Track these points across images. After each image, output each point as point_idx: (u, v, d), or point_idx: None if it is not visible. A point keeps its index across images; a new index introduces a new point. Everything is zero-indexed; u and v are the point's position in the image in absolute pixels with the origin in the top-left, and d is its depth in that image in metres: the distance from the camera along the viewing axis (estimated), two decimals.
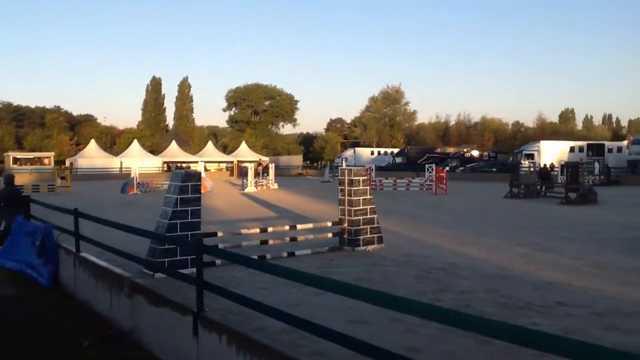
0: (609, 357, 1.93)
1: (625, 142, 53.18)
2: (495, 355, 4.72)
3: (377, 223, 10.60)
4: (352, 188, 10.22)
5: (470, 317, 2.68)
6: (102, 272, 6.97)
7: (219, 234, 9.56)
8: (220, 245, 8.79)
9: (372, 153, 67.05)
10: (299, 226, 10.39)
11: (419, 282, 7.71)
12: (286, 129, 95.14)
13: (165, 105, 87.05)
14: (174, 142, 61.98)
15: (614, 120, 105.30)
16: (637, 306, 6.41)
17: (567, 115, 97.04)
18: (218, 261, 8.29)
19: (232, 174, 55.61)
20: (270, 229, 9.98)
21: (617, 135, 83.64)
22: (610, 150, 47.80)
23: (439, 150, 61.45)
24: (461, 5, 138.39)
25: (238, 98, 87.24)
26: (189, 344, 4.76)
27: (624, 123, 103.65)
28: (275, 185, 34.00)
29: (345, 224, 10.34)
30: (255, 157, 58.99)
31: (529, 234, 12.60)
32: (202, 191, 9.82)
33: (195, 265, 4.94)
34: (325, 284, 3.80)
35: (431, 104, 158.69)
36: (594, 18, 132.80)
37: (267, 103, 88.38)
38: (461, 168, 49.44)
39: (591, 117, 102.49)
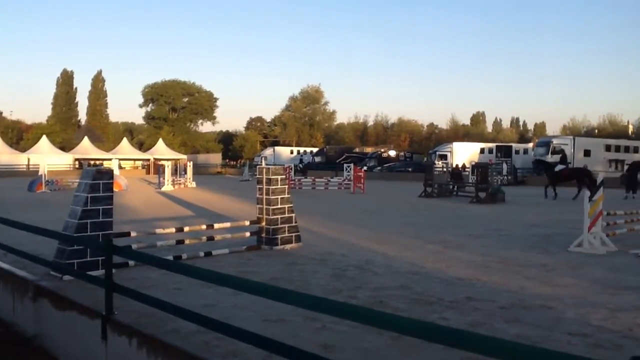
0: (508, 350, 2.03)
1: (531, 145, 56.25)
2: (406, 350, 4.85)
3: (295, 222, 10.64)
4: (271, 187, 10.20)
5: (378, 314, 2.74)
6: (4, 275, 6.59)
7: (133, 233, 9.26)
8: (134, 246, 8.54)
9: (292, 152, 67.23)
10: (216, 225, 10.25)
11: (335, 280, 7.80)
12: (205, 127, 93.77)
13: (77, 99, 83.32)
14: (86, 138, 59.56)
15: (521, 123, 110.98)
16: (539, 300, 6.77)
17: (478, 118, 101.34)
18: (131, 262, 8.04)
19: (148, 172, 54.15)
20: (186, 229, 9.79)
21: (523, 138, 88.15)
22: (517, 152, 50.42)
23: (357, 150, 62.48)
24: (379, 7, 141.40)
25: (155, 94, 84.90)
26: (97, 349, 4.59)
27: (530, 126, 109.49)
28: (193, 184, 33.42)
29: (263, 223, 10.31)
30: (173, 155, 57.78)
31: (440, 232, 13.04)
32: (115, 189, 9.51)
33: (104, 266, 4.76)
34: (239, 284, 3.78)
35: (350, 104, 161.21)
36: (504, 24, 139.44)
37: (185, 100, 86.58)
38: (378, 168, 50.53)
39: (500, 120, 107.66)
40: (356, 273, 8.31)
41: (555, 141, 46.59)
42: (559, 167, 25.35)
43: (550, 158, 44.17)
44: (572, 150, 44.73)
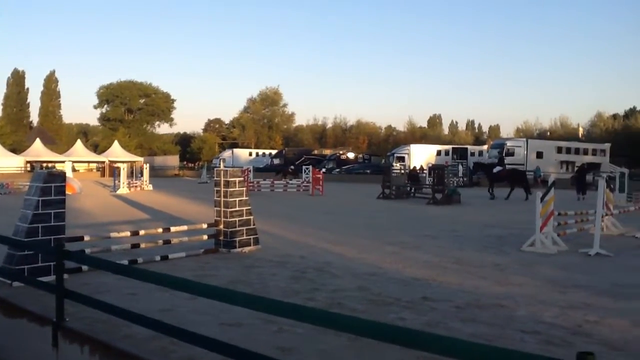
0: (461, 349, 2.07)
1: (485, 147, 57.43)
2: (364, 350, 4.88)
3: (254, 224, 10.58)
4: (228, 189, 10.13)
5: (333, 316, 2.75)
6: None
7: (86, 237, 9.04)
8: (88, 250, 8.33)
9: (251, 154, 66.92)
10: (172, 228, 10.10)
11: (294, 283, 7.80)
12: (162, 129, 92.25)
13: (29, 100, 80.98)
14: (38, 140, 57.93)
15: (476, 126, 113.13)
16: (493, 299, 6.92)
17: (434, 121, 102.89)
18: (85, 267, 7.85)
19: (103, 175, 53.07)
20: (142, 232, 9.63)
21: (478, 140, 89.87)
22: (472, 154, 51.38)
23: (316, 152, 62.63)
24: (337, 9, 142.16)
25: (110, 95, 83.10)
26: (48, 357, 4.47)
27: (485, 129, 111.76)
28: (150, 187, 32.92)
29: (221, 226, 10.22)
30: (129, 157, 56.72)
31: (398, 233, 13.19)
32: (68, 192, 9.27)
33: (55, 272, 4.64)
34: (195, 288, 3.73)
35: (309, 106, 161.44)
36: (460, 28, 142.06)
37: (142, 101, 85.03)
38: (337, 170, 50.79)
39: (456, 122, 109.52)
40: (315, 275, 8.33)
41: (509, 143, 47.65)
42: (496, 169, 26.22)
43: (504, 159, 45.20)
44: (526, 152, 45.83)
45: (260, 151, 69.51)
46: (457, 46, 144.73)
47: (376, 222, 15.86)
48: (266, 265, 9.02)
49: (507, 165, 30.70)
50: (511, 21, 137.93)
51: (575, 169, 34.46)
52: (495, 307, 6.54)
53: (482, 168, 27.91)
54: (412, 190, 26.99)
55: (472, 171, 44.17)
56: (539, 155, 45.80)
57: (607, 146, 50.39)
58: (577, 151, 48.18)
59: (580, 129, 76.86)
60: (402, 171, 43.45)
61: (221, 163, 15.87)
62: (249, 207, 10.52)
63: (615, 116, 75.19)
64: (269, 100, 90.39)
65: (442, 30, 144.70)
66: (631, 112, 74.55)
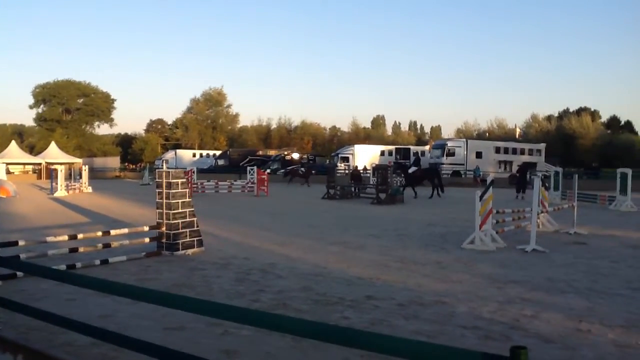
0: (398, 346, 2.12)
1: (427, 147, 58.63)
2: (308, 351, 4.90)
3: (197, 226, 10.45)
4: (171, 191, 9.96)
5: (277, 318, 2.75)
6: None
7: (21, 242, 8.69)
8: (23, 255, 8.03)
9: (194, 155, 66.03)
10: (112, 231, 9.85)
11: (239, 284, 7.75)
12: (102, 129, 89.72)
13: None
14: None
15: (418, 126, 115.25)
16: (434, 296, 7.07)
17: (378, 122, 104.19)
18: (20, 272, 7.56)
19: (40, 177, 51.21)
20: (80, 236, 9.34)
21: (421, 141, 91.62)
22: (415, 154, 52.28)
23: (260, 152, 62.32)
24: (281, 9, 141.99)
25: (47, 94, 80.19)
26: None
27: (427, 129, 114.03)
28: (89, 189, 32.02)
29: (164, 228, 10.05)
30: (67, 158, 54.93)
31: (342, 233, 13.30)
32: (2, 196, 8.92)
33: None
34: (136, 293, 3.66)
35: (254, 107, 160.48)
36: (402, 30, 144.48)
37: (80, 101, 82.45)
38: (282, 170, 50.69)
39: (399, 123, 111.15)
40: (259, 276, 8.30)
41: (449, 144, 48.84)
42: (412, 169, 27.10)
43: (445, 159, 46.29)
44: (466, 152, 47.06)
45: (204, 152, 68.65)
46: (399, 48, 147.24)
47: (321, 222, 15.94)
48: (210, 268, 8.92)
49: (447, 165, 31.47)
50: (448, 25, 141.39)
51: (516, 168, 35.57)
52: (436, 304, 6.69)
53: (400, 168, 28.68)
54: (357, 190, 27.25)
55: (393, 169, 45.12)
56: (479, 155, 47.13)
57: (542, 146, 52.35)
58: (514, 151, 49.84)
59: (517, 130, 79.49)
60: (347, 171, 43.77)
61: (164, 164, 15.61)
62: (192, 209, 10.39)
63: (549, 117, 78.18)
64: (213, 100, 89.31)
65: (384, 32, 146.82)
66: (564, 114, 77.72)
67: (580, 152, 65.48)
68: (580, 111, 74.93)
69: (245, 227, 14.59)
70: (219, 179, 34.29)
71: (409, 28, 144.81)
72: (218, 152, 65.88)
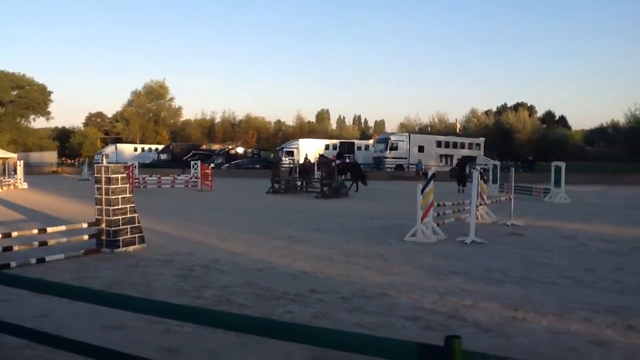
0: (336, 339, 2.15)
1: (371, 141, 59.33)
2: (252, 346, 4.90)
3: (138, 222, 10.24)
4: (111, 186, 9.72)
5: (217, 314, 2.74)
6: None
7: None
8: None
9: (136, 149, 64.59)
10: (49, 229, 9.53)
11: (181, 281, 7.65)
12: (38, 123, 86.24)
13: None
14: None
15: (362, 121, 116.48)
16: (377, 288, 7.19)
17: (322, 116, 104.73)
18: None
19: None
20: (15, 234, 9.02)
21: (365, 135, 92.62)
22: (359, 148, 52.92)
23: (204, 147, 61.53)
24: (222, 2, 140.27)
25: None
26: None
27: (371, 123, 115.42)
28: (25, 185, 30.88)
29: (103, 225, 9.79)
30: (0, 153, 52.62)
31: (287, 228, 13.31)
32: None
33: None
34: (72, 292, 3.56)
35: (197, 100, 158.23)
36: (341, 25, 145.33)
37: (14, 93, 78.92)
38: (226, 165, 50.29)
39: (343, 117, 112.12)
40: (202, 272, 8.22)
41: (392, 138, 49.56)
42: (335, 162, 27.71)
43: (388, 153, 46.95)
44: (408, 146, 47.84)
45: (146, 146, 67.22)
46: (344, 42, 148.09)
47: (265, 217, 15.90)
48: (152, 265, 8.77)
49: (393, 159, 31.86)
50: (390, 21, 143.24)
51: (456, 161, 36.47)
52: (379, 296, 6.80)
53: (324, 161, 29.17)
54: (303, 185, 27.25)
55: (374, 163, 45.83)
56: (421, 149, 48.02)
57: (481, 140, 53.79)
58: (455, 145, 51.04)
59: (458, 124, 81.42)
60: (292, 165, 43.82)
61: (103, 159, 15.21)
62: (133, 205, 10.17)
63: (487, 112, 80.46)
64: (155, 93, 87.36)
65: (328, 27, 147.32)
66: (503, 109, 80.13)
67: (517, 146, 67.71)
68: (517, 106, 77.41)
69: (189, 222, 14.40)
70: (162, 173, 33.65)
71: (352, 22, 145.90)
72: (160, 147, 64.65)
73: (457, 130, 76.56)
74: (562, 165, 22.42)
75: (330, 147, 51.38)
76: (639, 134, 60.26)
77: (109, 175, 9.75)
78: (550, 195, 22.09)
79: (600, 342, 5.15)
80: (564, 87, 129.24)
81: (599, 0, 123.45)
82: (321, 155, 35.01)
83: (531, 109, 78.81)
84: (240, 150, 57.68)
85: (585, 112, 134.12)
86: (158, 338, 5.19)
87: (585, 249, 10.54)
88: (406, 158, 47.23)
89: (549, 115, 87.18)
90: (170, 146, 61.00)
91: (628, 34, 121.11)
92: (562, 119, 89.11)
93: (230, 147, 58.43)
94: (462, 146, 51.31)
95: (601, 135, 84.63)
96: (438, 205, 12.24)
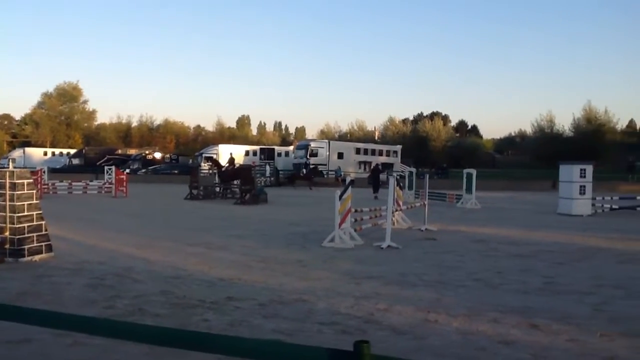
0: (248, 346, 2.14)
1: (291, 147, 59.52)
2: (164, 356, 4.76)
3: (46, 230, 9.75)
4: (16, 192, 9.21)
5: (124, 325, 2.65)
6: None
7: None
8: None
9: (46, 154, 61.62)
10: None
11: (91, 291, 7.35)
12: None
13: None
14: None
15: (283, 127, 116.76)
16: (295, 294, 7.20)
17: (243, 121, 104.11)
18: None
19: None
20: None
21: (285, 141, 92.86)
22: (279, 155, 52.99)
23: (120, 151, 59.57)
24: (143, 4, 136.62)
25: None
26: None
27: (292, 130, 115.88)
28: None
29: (7, 233, 9.25)
30: None
31: (205, 234, 13.10)
32: None
33: None
34: None
35: (112, 104, 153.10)
36: (264, 31, 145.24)
37: None
38: (143, 170, 48.95)
39: (264, 123, 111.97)
40: (115, 281, 7.93)
41: (313, 144, 49.93)
42: (224, 167, 28.01)
43: (308, 160, 47.26)
44: (328, 152, 48.35)
45: (57, 150, 64.25)
46: (265, 48, 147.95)
47: (182, 223, 15.59)
48: (60, 274, 8.37)
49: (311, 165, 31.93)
50: (311, 28, 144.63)
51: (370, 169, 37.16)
52: (296, 302, 6.81)
53: (216, 166, 29.19)
54: (222, 190, 26.85)
55: (294, 167, 45.88)
56: (340, 155, 48.64)
57: (398, 148, 55.22)
58: (373, 152, 52.07)
59: (376, 132, 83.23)
60: (210, 171, 43.25)
61: (10, 163, 14.39)
62: (40, 212, 9.68)
63: (405, 121, 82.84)
64: (68, 95, 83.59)
65: (249, 31, 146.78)
66: (419, 118, 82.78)
67: (433, 154, 70.20)
68: (433, 115, 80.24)
69: (101, 229, 13.87)
70: (74, 179, 32.21)
71: (274, 28, 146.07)
72: (73, 151, 61.98)
73: (376, 138, 78.23)
74: (474, 172, 23.39)
75: (251, 153, 51.13)
76: (544, 143, 64.05)
77: (14, 181, 9.25)
78: (462, 201, 22.97)
79: (507, 341, 5.39)
80: (476, 98, 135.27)
81: (508, 19, 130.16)
82: (214, 161, 34.70)
83: (445, 118, 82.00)
84: (157, 155, 56.33)
85: (496, 122, 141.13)
86: (65, 351, 4.96)
87: (494, 252, 11.03)
88: (326, 164, 47.70)
89: (462, 124, 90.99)
90: (83, 150, 58.65)
91: (536, 49, 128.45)
92: (474, 128, 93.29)
93: (147, 152, 56.90)
94: (380, 153, 52.41)
95: (510, 144, 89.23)
96: (356, 211, 12.43)
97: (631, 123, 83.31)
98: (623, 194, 25.20)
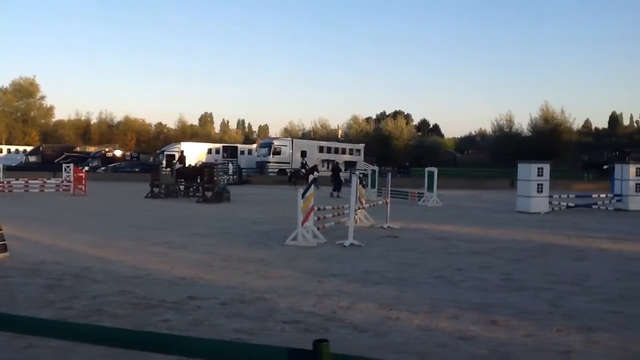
0: (207, 347, 2.11)
1: (254, 145, 59.29)
2: (122, 357, 4.68)
3: (1, 229, 9.47)
4: None
5: (78, 327, 2.59)
6: None
7: None
8: None
9: (1, 151, 59.92)
10: None
11: (48, 292, 7.16)
12: None
13: None
14: None
15: (246, 125, 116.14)
16: (257, 293, 7.16)
17: (206, 119, 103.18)
18: None
19: None
20: None
21: (248, 139, 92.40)
22: (242, 153, 52.73)
23: (78, 149, 58.26)
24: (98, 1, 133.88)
25: None
26: None
27: (255, 128, 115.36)
28: None
29: None
30: None
31: (166, 233, 12.93)
32: None
33: None
34: None
35: (71, 100, 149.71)
36: (223, 27, 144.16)
37: None
38: (103, 168, 48.08)
39: (227, 121, 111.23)
40: (72, 282, 7.76)
41: (276, 142, 49.82)
42: (177, 166, 28.05)
43: (271, 158, 47.17)
44: (291, 151, 48.31)
45: (13, 147, 62.50)
46: (229, 45, 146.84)
47: (143, 222, 15.34)
48: (15, 275, 8.14)
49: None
50: (275, 25, 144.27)
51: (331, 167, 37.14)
52: (259, 301, 6.78)
53: (171, 165, 29.22)
54: (188, 189, 26.47)
55: (257, 167, 45.72)
56: (303, 154, 48.59)
57: (361, 146, 55.55)
58: (336, 150, 52.25)
59: (340, 130, 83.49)
60: (173, 169, 42.75)
61: None
62: None
63: (368, 119, 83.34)
64: (24, 91, 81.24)
65: (214, 28, 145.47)
66: (382, 116, 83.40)
67: (395, 152, 70.78)
68: (395, 114, 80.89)
69: (59, 229, 13.55)
70: (30, 177, 31.33)
71: (236, 26, 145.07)
72: (29, 148, 60.36)
73: (339, 136, 78.44)
74: (435, 170, 23.69)
75: (213, 151, 50.68)
76: (503, 142, 65.28)
77: None
78: (423, 199, 23.24)
79: (466, 337, 5.47)
80: (438, 97, 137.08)
81: (469, 19, 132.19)
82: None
83: (408, 117, 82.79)
84: (118, 152, 55.31)
85: (457, 122, 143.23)
86: (19, 354, 4.82)
87: (455, 249, 11.19)
88: (289, 163, 47.63)
89: (424, 123, 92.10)
90: (40, 147, 57.18)
91: (497, 49, 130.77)
92: (436, 128, 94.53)
93: (107, 149, 55.82)
94: (344, 152, 52.61)
95: (470, 143, 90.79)
96: (319, 209, 12.46)
97: (587, 123, 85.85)
98: (579, 192, 25.87)
